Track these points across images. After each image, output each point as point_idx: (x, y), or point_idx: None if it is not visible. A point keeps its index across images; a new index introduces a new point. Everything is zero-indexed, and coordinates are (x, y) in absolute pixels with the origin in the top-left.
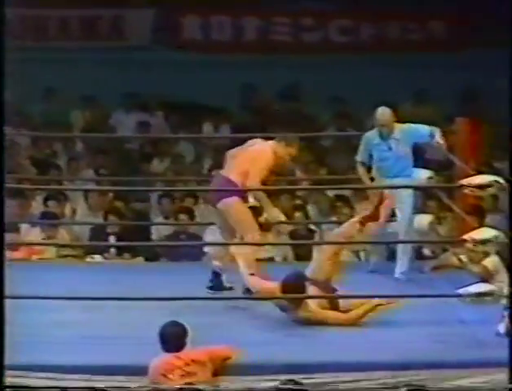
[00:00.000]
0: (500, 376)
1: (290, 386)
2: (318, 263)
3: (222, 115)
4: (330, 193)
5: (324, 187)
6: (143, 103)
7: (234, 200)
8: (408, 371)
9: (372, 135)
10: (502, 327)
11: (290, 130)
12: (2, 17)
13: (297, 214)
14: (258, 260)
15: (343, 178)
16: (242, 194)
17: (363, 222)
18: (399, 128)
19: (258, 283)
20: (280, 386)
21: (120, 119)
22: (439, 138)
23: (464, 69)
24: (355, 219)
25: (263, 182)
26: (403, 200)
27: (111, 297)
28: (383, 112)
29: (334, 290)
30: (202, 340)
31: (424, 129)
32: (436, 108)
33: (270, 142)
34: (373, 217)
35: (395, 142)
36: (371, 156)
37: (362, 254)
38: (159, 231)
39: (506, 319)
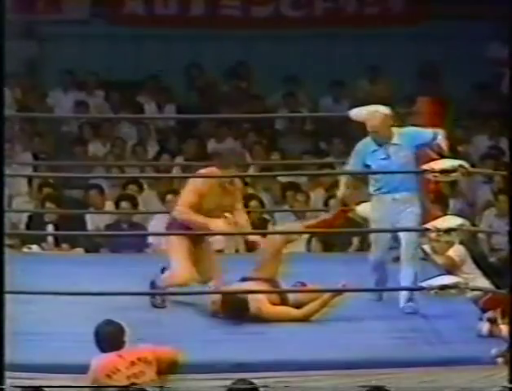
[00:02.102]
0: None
1: (242, 386)
2: (262, 259)
3: (167, 94)
4: (283, 179)
5: (277, 174)
6: (81, 81)
7: None
8: (365, 370)
9: (366, 143)
10: (484, 328)
11: (237, 111)
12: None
13: (252, 203)
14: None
15: (297, 164)
16: None
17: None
18: (398, 132)
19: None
20: (232, 386)
21: (57, 98)
22: (441, 140)
23: (423, 43)
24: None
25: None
26: (407, 217)
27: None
28: (373, 116)
29: (279, 285)
30: (147, 338)
31: (426, 132)
32: (394, 86)
33: None
34: (328, 224)
35: (394, 149)
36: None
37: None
38: (94, 222)
39: (486, 320)
